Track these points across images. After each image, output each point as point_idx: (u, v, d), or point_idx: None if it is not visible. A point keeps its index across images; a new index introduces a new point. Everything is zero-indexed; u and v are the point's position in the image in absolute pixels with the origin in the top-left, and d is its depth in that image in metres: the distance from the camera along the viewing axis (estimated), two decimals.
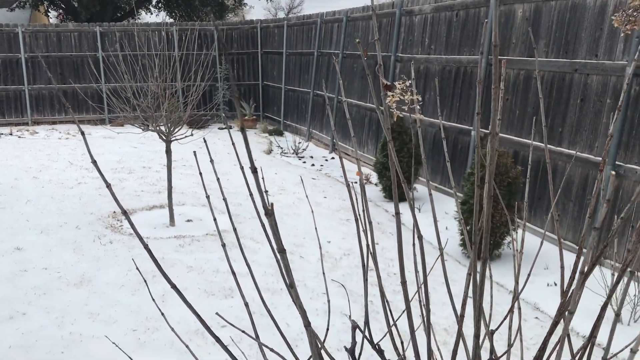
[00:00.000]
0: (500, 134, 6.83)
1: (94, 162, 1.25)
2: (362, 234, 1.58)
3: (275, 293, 4.74)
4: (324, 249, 5.96)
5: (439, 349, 1.67)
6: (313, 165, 10.66)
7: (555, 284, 5.21)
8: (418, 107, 1.17)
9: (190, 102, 5.99)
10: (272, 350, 1.44)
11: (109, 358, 3.71)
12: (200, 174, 1.51)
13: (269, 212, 0.77)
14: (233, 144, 1.30)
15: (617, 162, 5.36)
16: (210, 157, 1.49)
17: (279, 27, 14.30)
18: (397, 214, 1.34)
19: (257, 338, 1.44)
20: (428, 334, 1.24)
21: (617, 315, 1.07)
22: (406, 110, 1.20)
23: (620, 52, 5.37)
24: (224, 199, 1.50)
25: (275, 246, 0.83)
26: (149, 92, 5.92)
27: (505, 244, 5.85)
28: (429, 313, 1.21)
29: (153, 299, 1.60)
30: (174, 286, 1.37)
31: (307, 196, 8.13)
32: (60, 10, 22.92)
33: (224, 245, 1.45)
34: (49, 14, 23.33)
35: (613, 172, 1.05)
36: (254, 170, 0.77)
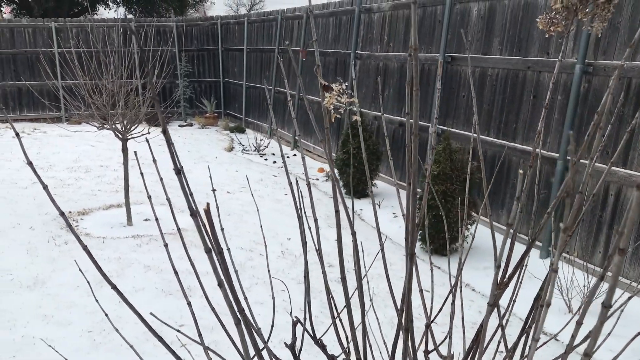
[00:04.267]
0: (456, 130, 6.96)
1: (30, 163, 1.23)
2: (308, 231, 1.60)
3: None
4: (285, 245, 5.98)
5: (384, 342, 1.71)
6: (275, 162, 10.64)
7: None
8: (355, 108, 1.20)
9: (146, 99, 5.91)
10: (214, 352, 1.44)
11: None
12: (142, 174, 1.50)
13: (194, 213, 0.78)
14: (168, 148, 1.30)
15: (567, 157, 5.53)
16: (153, 158, 1.49)
17: (240, 24, 14.21)
18: (337, 212, 1.37)
19: (202, 343, 1.45)
20: (364, 328, 1.27)
21: (548, 305, 1.11)
22: (343, 110, 1.23)
23: (570, 50, 5.53)
24: (168, 199, 1.50)
25: (205, 246, 0.84)
26: (104, 90, 5.82)
27: (462, 238, 5.96)
28: (363, 309, 1.24)
29: (96, 299, 1.58)
30: (114, 286, 1.36)
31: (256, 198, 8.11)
32: (14, 5, 22.27)
33: (166, 245, 1.45)
34: (1, 8, 22.65)
35: (520, 171, 1.10)
36: (178, 171, 0.77)
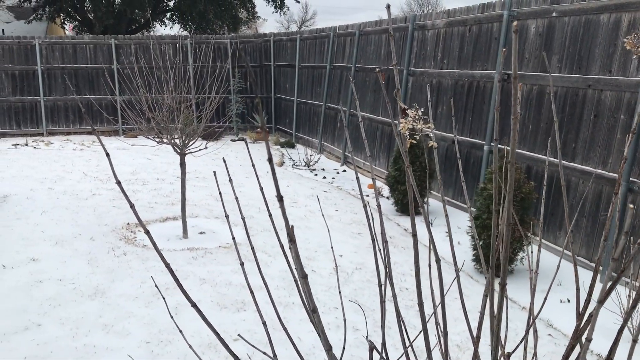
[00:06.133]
0: None
1: (119, 182, 1.28)
2: (377, 253, 1.59)
3: (287, 307, 4.75)
4: (336, 262, 5.97)
5: None
6: (325, 177, 10.68)
7: (569, 301, 5.18)
8: (432, 134, 1.20)
9: (205, 116, 6.04)
10: None
11: None
12: (220, 193, 1.54)
13: (293, 239, 0.80)
14: (253, 165, 1.33)
15: (631, 179, 5.34)
16: (230, 177, 1.51)
17: (292, 41, 14.41)
18: (415, 236, 1.36)
19: (274, 357, 1.45)
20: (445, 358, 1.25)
21: (635, 341, 1.07)
22: (419, 137, 1.23)
23: (635, 69, 5.37)
24: (242, 218, 1.52)
25: (297, 274, 0.86)
26: (164, 105, 5.99)
27: (518, 260, 5.83)
28: (446, 337, 1.22)
29: (171, 316, 1.62)
30: (194, 304, 1.39)
31: (321, 211, 8.14)
32: (76, 23, 23.24)
33: (242, 264, 1.47)
34: (65, 26, 23.66)
35: (631, 205, 1.06)
36: (280, 198, 0.79)
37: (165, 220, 6.98)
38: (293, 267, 1.10)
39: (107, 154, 1.29)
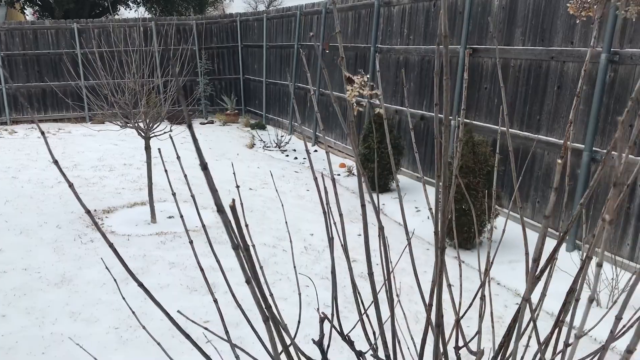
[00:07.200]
0: (478, 123, 6.88)
1: (56, 161, 1.23)
2: (333, 227, 1.58)
3: None
4: (307, 241, 5.97)
5: (411, 338, 1.69)
6: (296, 158, 10.64)
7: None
8: (378, 101, 1.18)
9: (168, 97, 5.94)
10: (242, 350, 1.44)
11: (91, 357, 3.69)
12: (166, 171, 1.50)
13: (221, 209, 0.77)
14: (195, 142, 1.29)
15: (594, 148, 5.43)
16: (178, 155, 1.49)
17: (259, 21, 14.23)
18: (363, 206, 1.35)
19: (228, 340, 1.44)
20: (392, 324, 1.25)
21: (577, 300, 1.08)
22: (365, 103, 1.21)
23: (595, 39, 5.42)
24: (192, 196, 1.49)
25: (236, 242, 0.83)
26: (126, 89, 5.86)
27: (486, 232, 5.90)
28: (392, 303, 1.22)
29: (123, 297, 1.59)
30: (140, 284, 1.36)
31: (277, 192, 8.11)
32: (37, 8, 22.58)
33: (191, 242, 1.44)
34: (25, 11, 22.98)
35: (559, 161, 1.09)
36: (204, 166, 0.76)
37: (133, 205, 6.88)
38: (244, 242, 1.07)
39: (42, 132, 1.24)
